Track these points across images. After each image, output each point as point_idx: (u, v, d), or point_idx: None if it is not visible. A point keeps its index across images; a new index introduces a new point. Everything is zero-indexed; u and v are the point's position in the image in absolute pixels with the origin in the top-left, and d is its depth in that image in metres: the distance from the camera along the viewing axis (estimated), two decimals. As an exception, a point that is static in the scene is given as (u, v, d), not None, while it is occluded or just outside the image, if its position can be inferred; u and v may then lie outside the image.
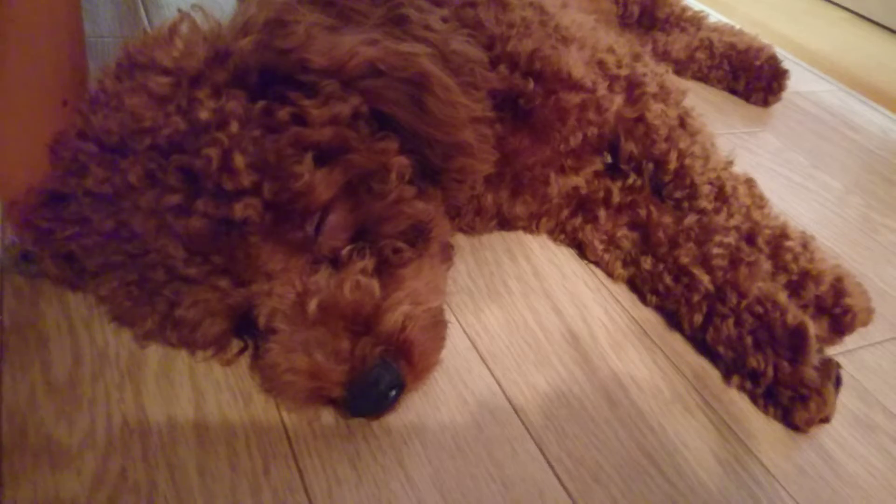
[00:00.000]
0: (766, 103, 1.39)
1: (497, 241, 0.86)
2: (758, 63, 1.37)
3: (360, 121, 0.56)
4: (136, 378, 0.60)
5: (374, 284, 0.55)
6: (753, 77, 1.38)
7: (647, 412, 0.68)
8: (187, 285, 0.53)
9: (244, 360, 0.63)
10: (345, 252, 0.56)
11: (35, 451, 0.53)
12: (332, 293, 0.53)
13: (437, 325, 0.60)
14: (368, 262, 0.56)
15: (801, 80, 1.55)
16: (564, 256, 0.86)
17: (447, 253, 0.66)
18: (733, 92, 1.43)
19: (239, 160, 0.49)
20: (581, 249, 0.86)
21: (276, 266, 0.54)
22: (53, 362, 0.60)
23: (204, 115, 0.50)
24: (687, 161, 0.82)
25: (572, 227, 0.86)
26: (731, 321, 0.72)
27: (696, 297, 0.75)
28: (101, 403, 0.57)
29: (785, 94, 1.40)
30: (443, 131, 0.60)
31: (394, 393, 0.55)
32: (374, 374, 0.53)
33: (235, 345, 0.62)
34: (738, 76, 1.40)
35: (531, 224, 0.87)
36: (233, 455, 0.56)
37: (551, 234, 0.88)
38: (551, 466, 0.61)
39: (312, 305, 0.53)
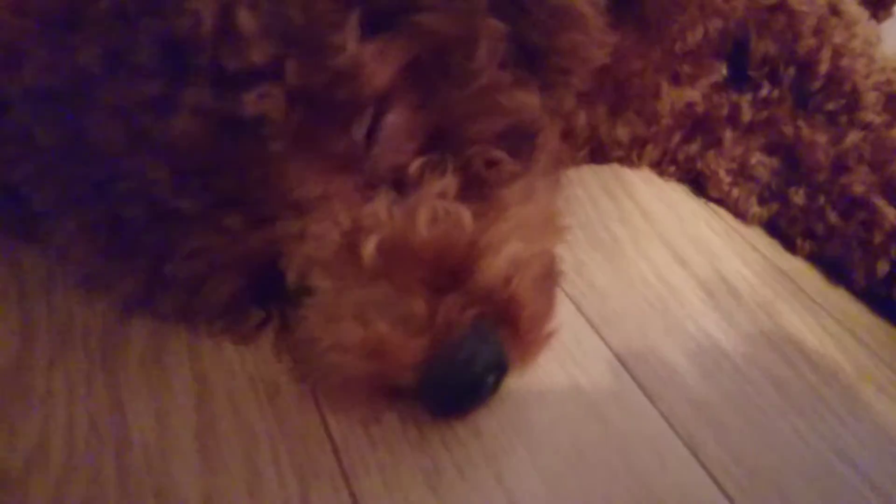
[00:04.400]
0: (876, 18, 1.22)
1: (589, 176, 0.69)
2: (865, -26, 1.20)
3: None
4: (112, 363, 0.45)
5: (464, 213, 0.39)
6: (861, -10, 1.21)
7: (828, 396, 0.50)
8: (179, 226, 0.39)
9: (267, 336, 0.48)
10: (414, 168, 0.40)
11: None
12: (397, 229, 0.39)
13: (550, 278, 0.43)
14: (451, 181, 0.40)
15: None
16: (676, 194, 0.69)
17: (558, 172, 0.49)
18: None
19: (246, 21, 0.34)
20: (699, 184, 0.69)
21: (312, 192, 0.39)
22: (-5, 343, 0.45)
23: None
24: (844, 61, 0.64)
25: (686, 156, 0.69)
26: (931, 270, 0.55)
27: (878, 238, 0.58)
28: (61, 400, 0.43)
29: None
30: None
31: (492, 378, 0.40)
32: (466, 352, 0.38)
33: (254, 314, 0.47)
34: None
35: (631, 153, 0.70)
36: (253, 476, 0.40)
37: (657, 165, 0.71)
38: (710, 474, 0.44)
39: (369, 249, 0.38)
